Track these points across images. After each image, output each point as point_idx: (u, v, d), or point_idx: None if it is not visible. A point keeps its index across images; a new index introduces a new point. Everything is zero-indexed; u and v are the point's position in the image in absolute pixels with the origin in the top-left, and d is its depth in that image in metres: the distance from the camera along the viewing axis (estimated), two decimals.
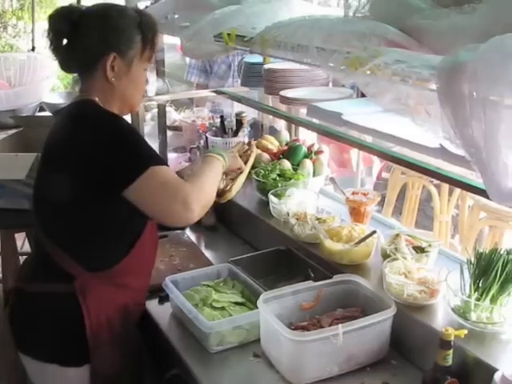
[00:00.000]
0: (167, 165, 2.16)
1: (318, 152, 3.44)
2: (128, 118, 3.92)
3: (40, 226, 2.24)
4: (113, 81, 2.18)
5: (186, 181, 2.12)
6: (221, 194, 2.59)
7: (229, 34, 2.39)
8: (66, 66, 2.28)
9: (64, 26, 2.16)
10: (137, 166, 2.03)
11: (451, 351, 1.85)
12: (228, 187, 2.60)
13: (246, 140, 3.66)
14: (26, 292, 2.23)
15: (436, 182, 3.84)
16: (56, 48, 2.20)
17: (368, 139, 2.39)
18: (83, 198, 2.09)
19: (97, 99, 2.18)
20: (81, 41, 2.16)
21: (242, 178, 2.65)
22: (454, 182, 2.02)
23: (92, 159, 2.03)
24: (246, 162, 2.71)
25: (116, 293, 2.20)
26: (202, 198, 2.10)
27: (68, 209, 2.11)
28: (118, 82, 2.19)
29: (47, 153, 2.23)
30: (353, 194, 2.85)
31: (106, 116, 2.16)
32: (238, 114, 3.58)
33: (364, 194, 2.85)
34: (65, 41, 2.19)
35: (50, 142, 2.22)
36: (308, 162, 3.32)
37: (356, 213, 2.75)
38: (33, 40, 7.12)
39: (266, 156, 3.46)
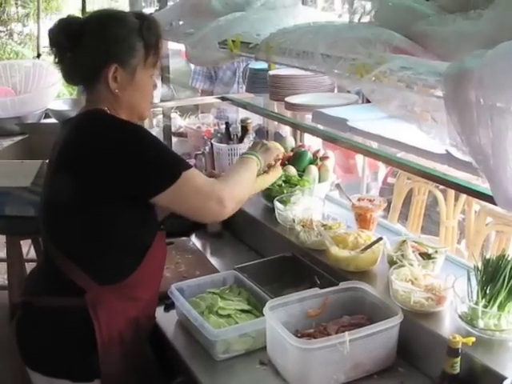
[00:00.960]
0: (191, 166, 2.17)
1: (324, 158, 3.43)
2: None
3: (50, 237, 2.20)
4: (117, 92, 2.14)
5: (218, 180, 2.20)
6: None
7: (233, 41, 2.39)
8: (69, 78, 2.25)
9: (63, 39, 2.13)
10: (169, 174, 2.05)
11: (459, 359, 1.84)
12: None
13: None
14: (34, 306, 2.18)
15: (442, 187, 3.82)
16: (58, 61, 2.18)
17: (373, 145, 2.39)
18: (98, 210, 2.06)
19: (106, 109, 2.16)
20: (80, 54, 2.12)
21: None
22: (461, 188, 2.02)
23: (114, 169, 2.02)
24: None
25: (127, 306, 2.17)
26: (235, 194, 2.16)
27: (81, 221, 2.09)
28: (123, 93, 2.15)
29: (58, 162, 2.17)
30: (359, 200, 2.84)
31: (125, 124, 2.14)
32: (243, 121, 3.57)
33: (370, 201, 2.84)
34: (67, 54, 2.16)
35: (61, 152, 2.16)
36: (313, 168, 3.31)
37: (362, 219, 2.74)
38: (38, 47, 7.14)
39: None
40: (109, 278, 2.13)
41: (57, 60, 2.18)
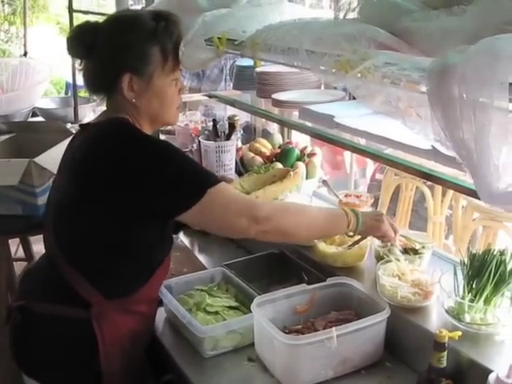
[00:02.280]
0: (220, 180, 2.03)
1: (311, 154, 3.44)
2: None
3: (58, 245, 2.12)
4: (134, 101, 2.07)
5: (268, 202, 2.13)
6: None
7: (219, 38, 2.38)
8: (88, 88, 2.19)
9: (78, 48, 2.08)
10: (192, 191, 1.96)
11: (445, 353, 1.85)
12: None
13: (239, 145, 3.67)
14: (34, 312, 2.12)
15: (429, 183, 3.83)
16: (80, 70, 2.14)
17: (361, 142, 2.40)
18: (115, 224, 2.00)
19: (128, 117, 2.09)
20: (95, 63, 2.07)
21: None
22: (447, 184, 2.02)
23: (137, 186, 1.94)
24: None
25: (130, 320, 2.13)
26: (276, 218, 2.02)
27: (95, 233, 2.03)
28: (141, 101, 2.08)
29: (75, 168, 2.09)
30: (346, 196, 2.85)
31: (147, 139, 2.06)
32: (230, 118, 3.57)
33: (357, 196, 2.85)
34: (83, 63, 2.12)
35: (80, 159, 2.08)
36: (301, 165, 3.32)
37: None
38: (25, 45, 7.10)
39: (258, 159, 3.46)
40: (116, 293, 2.08)
41: (80, 68, 2.14)
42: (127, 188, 1.95)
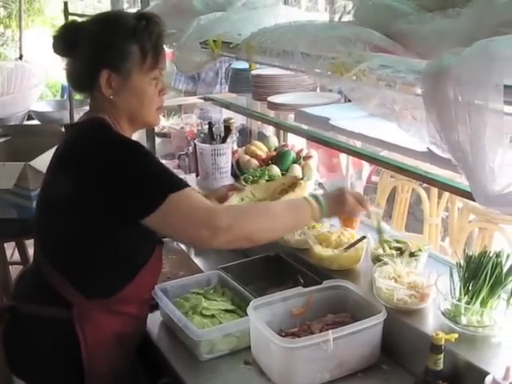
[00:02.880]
0: (188, 186, 2.00)
1: (307, 157, 3.44)
2: None
3: (41, 246, 2.16)
4: (112, 98, 2.07)
5: (228, 207, 2.05)
6: None
7: (215, 41, 2.38)
8: (72, 85, 2.21)
9: (62, 46, 2.09)
10: (154, 195, 1.93)
11: (442, 355, 1.84)
12: None
13: (235, 148, 3.67)
14: (21, 312, 2.14)
15: (425, 185, 3.84)
16: (64, 69, 2.15)
17: (357, 144, 2.40)
18: (90, 224, 2.01)
19: (107, 117, 2.10)
20: (77, 60, 2.09)
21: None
22: (442, 186, 2.03)
23: (105, 188, 1.95)
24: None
25: (115, 321, 2.13)
26: (237, 227, 1.97)
27: (72, 234, 2.04)
28: (119, 99, 2.08)
29: (54, 170, 2.13)
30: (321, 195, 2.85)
31: (117, 140, 2.05)
32: (226, 121, 3.57)
33: None
34: (67, 61, 2.13)
35: (59, 160, 2.12)
36: (297, 168, 3.32)
37: (345, 218, 2.75)
38: (20, 48, 7.11)
39: (254, 162, 3.46)
40: (97, 293, 2.08)
41: (64, 67, 2.15)
42: (96, 189, 1.96)
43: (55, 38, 2.12)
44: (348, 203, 2.21)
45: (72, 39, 2.07)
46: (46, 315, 2.08)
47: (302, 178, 2.76)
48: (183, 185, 1.99)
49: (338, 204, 2.21)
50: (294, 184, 2.68)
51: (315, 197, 2.14)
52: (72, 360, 2.07)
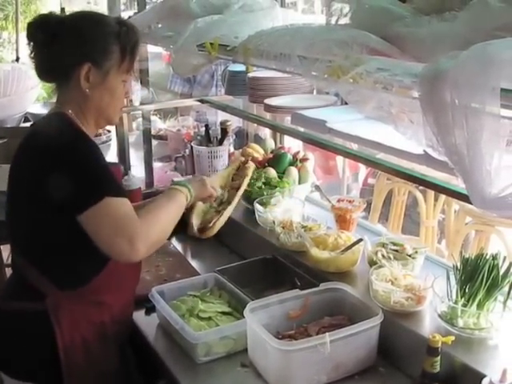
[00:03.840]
0: (125, 197, 2.06)
1: (304, 159, 3.44)
2: (113, 127, 3.93)
3: (13, 242, 2.21)
4: (87, 92, 2.13)
5: (139, 217, 2.03)
6: (202, 230, 2.62)
7: (211, 44, 2.38)
8: (43, 75, 2.23)
9: (41, 34, 2.12)
10: (92, 193, 1.98)
11: (439, 358, 1.85)
12: (211, 224, 2.60)
13: (232, 150, 3.67)
14: (1, 310, 2.19)
15: (422, 187, 3.84)
16: (34, 56, 2.17)
17: (353, 146, 2.40)
18: (48, 217, 2.04)
19: (70, 111, 2.14)
20: (56, 50, 2.11)
21: (227, 213, 2.64)
22: (439, 188, 2.03)
23: (50, 181, 1.96)
24: (237, 188, 2.70)
25: (90, 311, 2.15)
26: (150, 237, 2.01)
27: (37, 226, 2.08)
28: (93, 93, 2.14)
29: (17, 167, 2.17)
30: (338, 201, 2.85)
31: (71, 137, 2.09)
32: (222, 123, 3.58)
33: (349, 201, 2.85)
34: (43, 49, 2.15)
35: (21, 156, 2.16)
36: (293, 170, 3.32)
37: (342, 220, 2.75)
38: (17, 50, 7.10)
39: None
40: (68, 284, 2.11)
41: (32, 55, 2.17)
42: (46, 183, 1.98)
43: (33, 25, 2.15)
44: (207, 188, 2.44)
45: (53, 28, 2.11)
46: (21, 309, 2.12)
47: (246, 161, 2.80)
48: (121, 193, 2.06)
49: (201, 188, 2.41)
50: (243, 167, 2.71)
51: (184, 185, 2.30)
52: (50, 353, 2.09)
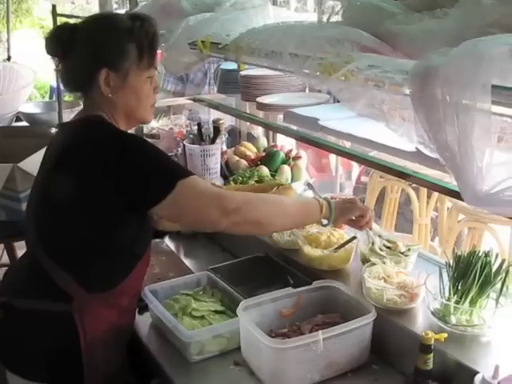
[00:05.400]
0: (194, 174, 2.08)
1: (296, 157, 3.44)
2: None
3: (40, 241, 2.14)
4: (110, 96, 2.10)
5: (240, 192, 2.13)
6: None
7: (203, 42, 2.38)
8: (66, 86, 2.23)
9: (57, 47, 2.12)
10: (163, 184, 1.98)
11: (432, 355, 1.85)
12: None
13: (224, 148, 3.67)
14: (15, 307, 2.13)
15: (414, 185, 3.84)
16: (58, 69, 2.17)
17: (346, 144, 2.40)
18: (93, 219, 2.03)
19: (104, 115, 2.13)
20: (73, 61, 2.11)
21: None
22: (431, 186, 2.04)
23: (111, 180, 1.98)
24: None
25: (111, 313, 2.14)
26: (246, 209, 2.03)
27: (75, 228, 2.05)
28: (117, 97, 2.11)
29: (55, 167, 2.13)
30: (331, 199, 2.84)
31: (122, 134, 2.10)
32: (215, 121, 3.57)
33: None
34: (62, 62, 2.15)
35: (59, 157, 2.12)
36: (286, 168, 3.32)
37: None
38: (8, 49, 7.07)
39: (243, 163, 3.46)
40: (98, 287, 2.09)
41: (57, 68, 2.17)
42: (103, 183, 1.99)
43: (49, 39, 2.15)
44: (357, 207, 2.28)
45: (67, 40, 2.10)
46: (43, 309, 2.08)
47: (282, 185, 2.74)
48: (189, 172, 2.07)
49: (348, 205, 2.27)
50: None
51: (327, 200, 2.21)
52: (70, 354, 2.08)
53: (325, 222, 2.24)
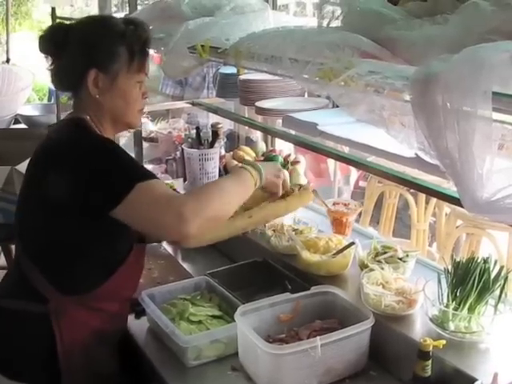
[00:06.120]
0: (156, 178, 2.04)
1: (295, 162, 3.44)
2: None
3: (21, 243, 2.19)
4: (98, 97, 2.11)
5: (185, 193, 2.04)
6: None
7: (202, 46, 2.38)
8: (56, 85, 2.25)
9: (50, 46, 2.13)
10: (121, 185, 1.94)
11: (430, 362, 1.85)
12: None
13: (223, 152, 3.66)
14: (2, 308, 2.16)
15: (413, 190, 3.84)
16: (50, 69, 2.18)
17: (344, 149, 2.39)
18: (63, 221, 2.04)
19: (88, 117, 2.13)
20: (65, 60, 2.12)
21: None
22: (430, 192, 2.03)
23: (74, 182, 1.97)
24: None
25: (91, 317, 2.14)
26: (202, 209, 1.93)
27: (47, 230, 2.07)
28: (104, 98, 2.12)
29: (32, 169, 2.17)
30: (334, 204, 2.85)
31: (87, 138, 2.10)
32: (213, 125, 3.56)
33: (345, 205, 2.85)
34: (54, 60, 2.16)
35: (37, 158, 2.17)
36: (286, 173, 3.31)
37: (338, 223, 2.75)
38: (7, 51, 7.07)
39: None
40: (72, 290, 2.09)
41: (49, 67, 2.19)
42: (67, 185, 1.98)
43: (42, 37, 2.17)
44: (279, 182, 2.28)
45: (60, 39, 2.12)
46: (23, 309, 2.11)
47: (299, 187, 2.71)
48: (150, 176, 2.01)
49: (275, 179, 2.26)
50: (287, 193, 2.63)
51: (255, 167, 2.17)
52: (49, 356, 2.08)
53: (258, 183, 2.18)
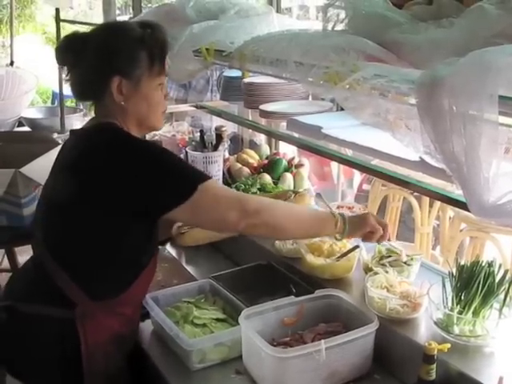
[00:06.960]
0: (210, 177, 2.14)
1: (299, 165, 3.44)
2: None
3: (47, 246, 2.15)
4: (123, 104, 2.11)
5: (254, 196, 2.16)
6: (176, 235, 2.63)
7: (207, 49, 2.38)
8: (77, 95, 2.25)
9: (67, 56, 2.13)
10: (184, 187, 2.01)
11: (435, 365, 1.84)
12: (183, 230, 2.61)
13: (227, 155, 3.66)
14: (18, 311, 2.13)
15: (417, 193, 3.84)
16: (68, 79, 2.18)
17: (348, 153, 2.39)
18: (104, 225, 2.04)
19: (116, 122, 2.14)
20: (84, 69, 2.11)
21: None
22: (434, 195, 2.03)
23: (126, 185, 1.99)
24: None
25: (114, 321, 2.14)
26: (267, 214, 2.08)
27: (85, 234, 2.06)
28: (129, 104, 2.12)
29: (67, 172, 2.14)
30: (338, 207, 2.84)
31: (138, 140, 2.14)
32: (217, 129, 3.56)
33: (349, 208, 2.85)
34: (73, 71, 2.16)
35: (72, 162, 2.14)
36: (288, 176, 3.31)
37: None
38: (11, 54, 7.08)
39: (246, 170, 3.46)
40: (102, 295, 2.09)
41: (67, 78, 2.18)
42: (119, 189, 2.00)
43: (59, 49, 2.17)
44: (370, 221, 2.23)
45: (78, 49, 2.11)
46: (46, 314, 2.08)
47: (292, 191, 2.72)
48: (208, 176, 2.14)
49: (361, 225, 2.24)
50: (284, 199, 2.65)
51: (341, 214, 2.20)
52: (70, 360, 2.07)
53: (338, 236, 2.23)
